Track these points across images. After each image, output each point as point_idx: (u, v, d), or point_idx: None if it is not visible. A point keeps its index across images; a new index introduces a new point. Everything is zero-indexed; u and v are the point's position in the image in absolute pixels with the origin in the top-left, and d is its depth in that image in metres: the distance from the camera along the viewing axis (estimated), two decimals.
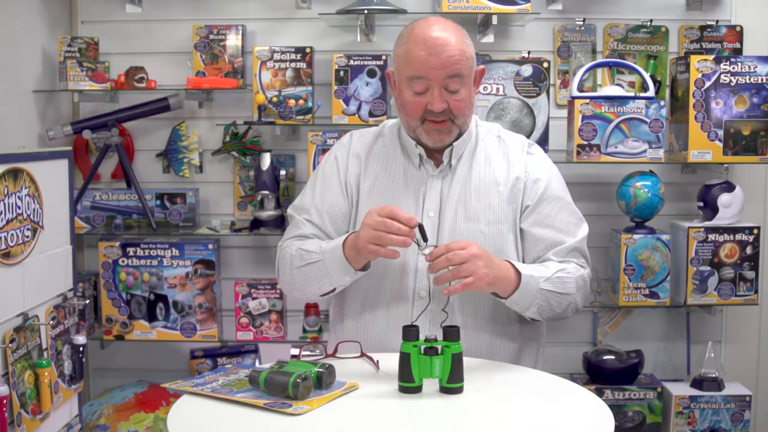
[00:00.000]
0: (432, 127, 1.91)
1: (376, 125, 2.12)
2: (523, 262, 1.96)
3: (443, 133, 1.92)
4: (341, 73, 2.78)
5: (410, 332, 1.60)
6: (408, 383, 1.57)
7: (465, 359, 1.60)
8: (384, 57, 2.77)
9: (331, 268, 1.87)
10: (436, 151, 1.97)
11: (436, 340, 1.59)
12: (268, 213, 2.77)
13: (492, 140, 2.03)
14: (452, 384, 1.58)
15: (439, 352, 1.58)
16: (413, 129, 1.93)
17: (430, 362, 1.57)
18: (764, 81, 2.62)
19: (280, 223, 2.81)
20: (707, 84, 2.62)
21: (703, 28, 2.86)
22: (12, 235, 1.87)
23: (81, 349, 2.15)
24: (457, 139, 1.95)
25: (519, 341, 1.96)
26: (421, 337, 1.60)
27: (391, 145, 2.03)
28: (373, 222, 1.74)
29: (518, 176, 1.97)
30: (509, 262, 1.84)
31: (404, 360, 1.57)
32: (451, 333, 1.60)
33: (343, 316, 2.01)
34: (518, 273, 1.81)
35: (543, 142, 2.65)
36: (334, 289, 1.94)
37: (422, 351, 1.58)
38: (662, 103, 2.64)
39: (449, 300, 1.80)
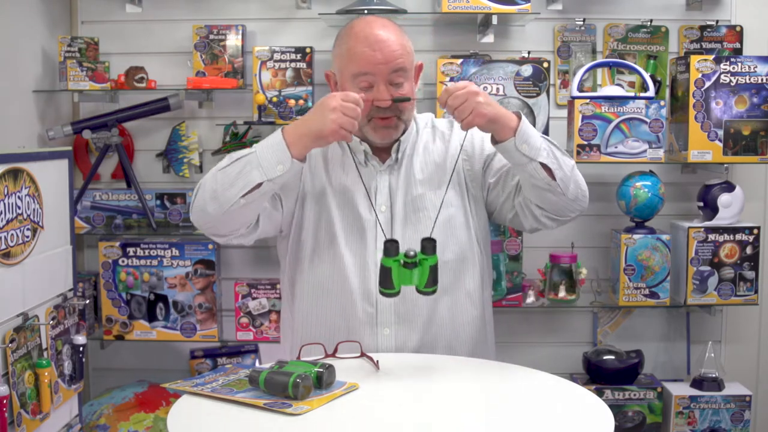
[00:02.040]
0: (379, 125, 1.95)
1: None
2: (502, 213, 2.03)
3: (390, 129, 1.96)
4: None
5: (391, 248, 1.72)
6: (388, 290, 1.74)
7: (465, 359, 1.60)
8: None
9: (263, 157, 1.78)
10: (382, 148, 2.01)
11: (415, 255, 1.71)
12: None
13: (427, 131, 2.07)
14: (427, 289, 1.74)
15: (417, 264, 1.71)
16: (360, 128, 1.94)
17: (410, 273, 1.72)
18: (764, 81, 2.62)
19: None
20: (707, 84, 2.62)
21: (703, 28, 2.86)
22: (12, 235, 1.87)
23: (81, 349, 2.15)
24: (402, 134, 1.99)
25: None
26: (401, 250, 1.73)
27: (336, 144, 2.02)
28: (342, 107, 1.74)
29: (454, 154, 2.01)
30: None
31: (385, 272, 1.72)
32: (427, 247, 1.73)
33: (293, 313, 2.02)
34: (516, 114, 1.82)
35: None
36: (254, 195, 1.80)
37: (402, 264, 1.71)
38: (662, 103, 2.64)
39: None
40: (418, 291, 1.74)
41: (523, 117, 1.82)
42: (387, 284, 1.72)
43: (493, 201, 2.04)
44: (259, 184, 1.78)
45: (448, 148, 2.04)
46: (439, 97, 1.82)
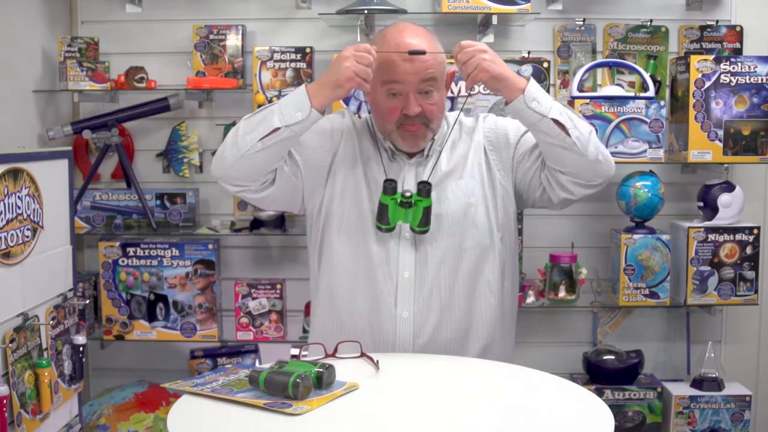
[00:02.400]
0: (407, 133, 1.97)
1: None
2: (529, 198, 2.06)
3: (418, 138, 1.98)
4: None
5: (389, 187, 1.91)
6: (384, 225, 1.92)
7: (465, 359, 1.61)
8: None
9: (284, 106, 1.87)
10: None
11: (410, 195, 1.90)
12: (268, 213, 2.77)
13: (456, 128, 2.08)
14: (420, 228, 1.92)
15: (412, 204, 1.90)
16: (388, 133, 1.99)
17: (404, 212, 1.91)
18: (764, 81, 2.62)
19: (280, 223, 2.81)
20: (707, 84, 2.62)
21: (703, 28, 2.86)
22: (12, 235, 1.87)
23: (81, 349, 2.15)
24: (430, 141, 2.02)
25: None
26: (399, 190, 1.91)
27: (365, 135, 2.07)
28: (355, 56, 1.82)
29: (477, 146, 2.04)
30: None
31: (383, 209, 1.91)
32: (423, 190, 1.91)
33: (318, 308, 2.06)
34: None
35: None
36: (272, 138, 1.86)
37: (398, 203, 1.90)
38: (662, 103, 2.64)
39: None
40: (412, 229, 1.92)
41: (532, 79, 1.89)
42: (383, 220, 1.91)
43: (521, 180, 2.04)
44: (277, 130, 1.85)
45: (472, 140, 2.06)
46: (452, 51, 1.90)
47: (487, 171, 2.03)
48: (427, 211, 1.90)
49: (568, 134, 1.86)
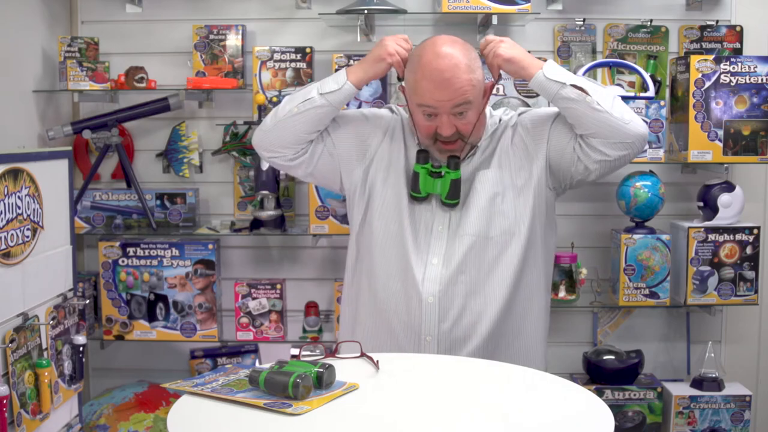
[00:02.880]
0: (444, 148, 2.03)
1: None
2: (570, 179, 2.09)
3: (455, 152, 2.04)
4: None
5: (420, 156, 2.02)
6: (416, 193, 2.02)
7: (465, 359, 1.62)
8: None
9: (323, 80, 2.06)
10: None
11: (439, 166, 2.00)
12: (268, 213, 2.77)
13: (504, 132, 2.10)
14: (450, 200, 2.01)
15: (441, 175, 2.00)
16: (426, 145, 2.06)
17: (433, 182, 2.01)
18: (764, 81, 2.62)
19: (280, 223, 2.81)
20: (707, 84, 2.62)
21: (703, 28, 2.86)
22: (12, 235, 1.87)
23: (81, 349, 2.15)
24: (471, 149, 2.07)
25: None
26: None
27: (408, 129, 2.14)
28: (395, 39, 2.04)
29: (512, 137, 2.08)
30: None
31: (415, 176, 2.02)
32: (451, 163, 2.00)
33: (354, 322, 2.12)
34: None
35: None
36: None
37: (429, 173, 2.00)
38: (662, 103, 2.64)
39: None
40: (442, 202, 2.01)
41: (551, 60, 2.02)
42: (416, 188, 2.02)
43: (555, 157, 2.04)
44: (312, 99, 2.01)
45: (505, 132, 2.10)
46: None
47: (521, 159, 2.06)
48: (455, 183, 1.99)
49: (589, 95, 1.94)
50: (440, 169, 2.00)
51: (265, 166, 2.77)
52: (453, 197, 2.00)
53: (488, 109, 2.12)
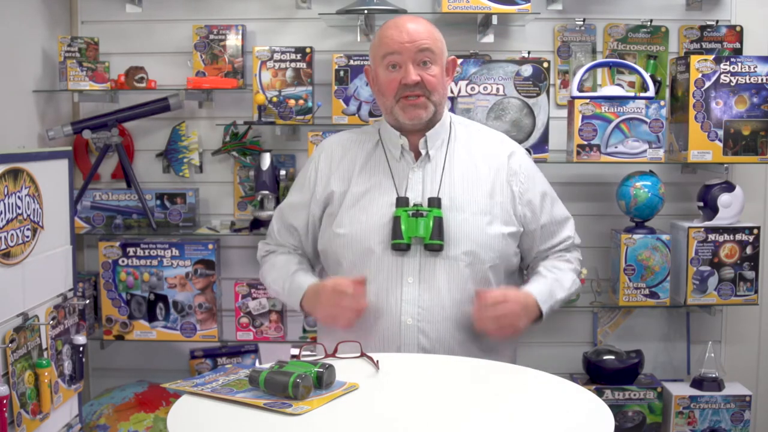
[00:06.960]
0: (408, 104, 2.01)
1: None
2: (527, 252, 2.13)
3: (419, 108, 2.01)
4: (341, 73, 2.79)
5: (402, 201, 1.98)
6: (399, 240, 1.94)
7: (465, 359, 1.62)
8: None
9: (291, 288, 2.08)
10: (413, 136, 2.06)
11: (421, 205, 1.96)
12: (268, 213, 2.77)
13: (471, 134, 2.12)
14: (433, 241, 1.94)
15: (423, 215, 1.94)
16: (390, 110, 2.04)
17: (416, 223, 1.94)
18: (764, 81, 2.62)
19: None
20: (707, 84, 2.62)
21: (703, 28, 2.86)
22: (12, 235, 1.87)
23: (81, 349, 2.15)
24: (431, 122, 2.04)
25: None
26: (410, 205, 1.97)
27: (370, 142, 2.12)
28: (328, 302, 1.95)
29: (499, 168, 2.07)
30: (530, 293, 2.00)
31: (396, 222, 1.95)
32: (433, 201, 1.96)
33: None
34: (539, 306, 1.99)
35: (543, 142, 2.66)
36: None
37: (410, 215, 1.94)
38: (662, 103, 2.64)
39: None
40: (425, 245, 1.95)
41: (544, 312, 2.00)
42: (398, 235, 1.94)
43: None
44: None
45: (493, 159, 2.08)
46: (475, 314, 1.94)
47: (500, 187, 2.05)
48: (439, 221, 1.95)
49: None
50: (421, 208, 1.96)
51: (265, 166, 2.78)
52: (436, 239, 1.94)
53: (449, 114, 2.13)
